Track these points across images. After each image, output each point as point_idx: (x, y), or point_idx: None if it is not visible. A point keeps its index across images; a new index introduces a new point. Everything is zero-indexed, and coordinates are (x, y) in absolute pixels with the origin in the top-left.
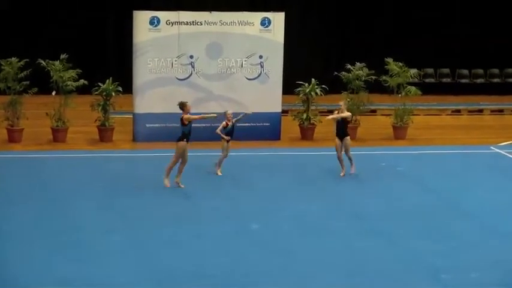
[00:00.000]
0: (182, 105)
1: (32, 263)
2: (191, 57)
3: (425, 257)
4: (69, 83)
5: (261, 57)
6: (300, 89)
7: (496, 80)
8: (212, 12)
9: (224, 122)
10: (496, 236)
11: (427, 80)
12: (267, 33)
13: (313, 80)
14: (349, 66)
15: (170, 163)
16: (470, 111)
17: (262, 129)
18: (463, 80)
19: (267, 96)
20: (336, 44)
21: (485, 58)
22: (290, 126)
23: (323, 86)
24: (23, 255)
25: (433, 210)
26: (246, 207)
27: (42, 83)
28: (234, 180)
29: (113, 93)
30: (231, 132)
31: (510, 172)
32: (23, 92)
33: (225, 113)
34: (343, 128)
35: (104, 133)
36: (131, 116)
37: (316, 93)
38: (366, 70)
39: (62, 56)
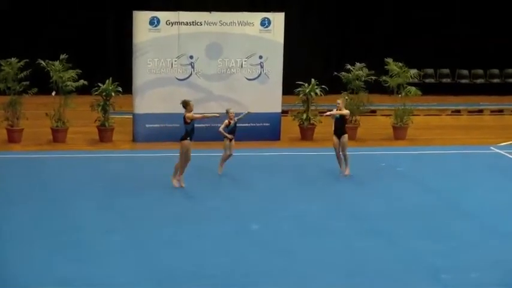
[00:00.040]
0: (185, 104)
1: (32, 263)
2: (191, 57)
3: (425, 257)
4: (69, 83)
5: (260, 57)
6: (299, 89)
7: (496, 80)
8: (212, 12)
9: (226, 121)
10: (496, 236)
11: (427, 81)
12: (266, 34)
13: (313, 80)
14: (349, 66)
15: (178, 163)
16: (470, 112)
17: (262, 130)
18: (463, 81)
19: (266, 96)
20: (335, 44)
21: (485, 58)
22: (290, 127)
23: (323, 86)
24: (23, 255)
25: (433, 210)
26: (246, 207)
27: (42, 83)
28: (234, 181)
29: (113, 94)
30: (233, 131)
31: (510, 172)
32: (23, 92)
33: (227, 112)
34: (341, 126)
35: (104, 133)
36: (131, 116)
37: (316, 94)
38: (365, 70)
39: (62, 56)
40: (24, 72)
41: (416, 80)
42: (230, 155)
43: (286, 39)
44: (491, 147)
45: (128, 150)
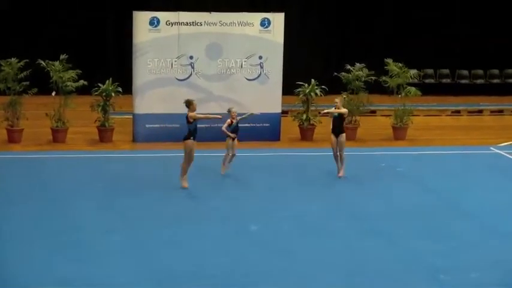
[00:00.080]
0: (188, 103)
1: (32, 263)
2: (191, 57)
3: (425, 257)
4: (68, 83)
5: (260, 57)
6: (299, 89)
7: (495, 80)
8: (212, 12)
9: (229, 120)
10: (496, 236)
11: (426, 81)
12: (266, 34)
13: (312, 80)
14: (348, 66)
15: (183, 163)
16: (470, 112)
17: (262, 130)
18: (463, 81)
19: (266, 96)
20: (335, 44)
21: (485, 59)
22: (290, 127)
23: (323, 86)
24: (23, 255)
25: (433, 211)
26: (246, 208)
27: (42, 84)
28: (234, 181)
29: (113, 94)
30: (236, 130)
31: (510, 172)
32: (23, 93)
33: (229, 111)
34: (339, 125)
35: (104, 133)
36: (131, 117)
37: (316, 94)
38: (365, 71)
39: (62, 57)
40: (24, 73)
41: (416, 81)
42: (234, 155)
43: (286, 39)
44: (491, 148)
45: (128, 150)
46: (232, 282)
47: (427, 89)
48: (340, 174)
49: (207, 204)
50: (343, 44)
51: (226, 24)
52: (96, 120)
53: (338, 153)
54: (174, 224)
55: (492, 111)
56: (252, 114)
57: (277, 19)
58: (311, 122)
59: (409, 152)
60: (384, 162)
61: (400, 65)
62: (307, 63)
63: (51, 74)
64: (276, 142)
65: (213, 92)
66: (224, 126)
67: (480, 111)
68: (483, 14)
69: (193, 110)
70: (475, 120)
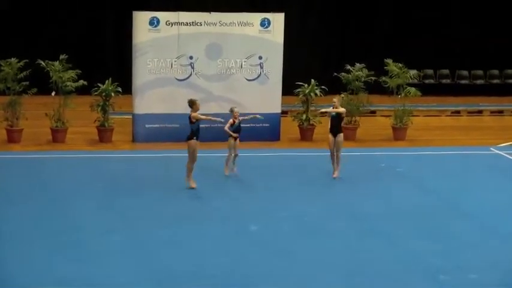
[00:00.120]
0: (191, 103)
1: (32, 263)
2: (191, 57)
3: (425, 257)
4: (68, 83)
5: (260, 58)
6: (299, 89)
7: (495, 81)
8: (212, 12)
9: (231, 120)
10: (496, 236)
11: (426, 81)
12: (266, 34)
13: (312, 80)
14: (348, 67)
15: (188, 163)
16: (470, 112)
17: (261, 130)
18: (463, 81)
19: (266, 97)
20: (335, 44)
21: (485, 59)
22: (290, 127)
23: (322, 86)
24: (23, 255)
25: (433, 211)
26: (246, 208)
27: (41, 84)
28: (234, 181)
29: (113, 94)
30: (238, 130)
31: (510, 173)
32: (23, 93)
33: (231, 110)
34: (337, 125)
35: (104, 134)
36: (131, 117)
37: (316, 94)
38: (365, 71)
39: (62, 57)
40: (24, 73)
41: (416, 81)
42: (236, 155)
43: (286, 39)
44: (491, 148)
45: (128, 150)
46: (232, 283)
47: (426, 90)
48: (335, 175)
49: (207, 204)
50: (343, 44)
51: (226, 24)
52: (95, 120)
53: (335, 153)
54: (174, 224)
55: (492, 112)
56: (255, 117)
57: (277, 19)
58: (311, 122)
59: (408, 152)
60: (384, 163)
61: (400, 65)
62: (307, 64)
63: (50, 74)
64: (275, 142)
65: (213, 92)
66: (227, 126)
67: (480, 112)
68: (483, 14)
69: (196, 110)
70: (475, 120)
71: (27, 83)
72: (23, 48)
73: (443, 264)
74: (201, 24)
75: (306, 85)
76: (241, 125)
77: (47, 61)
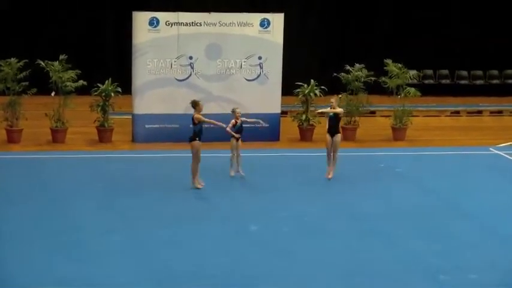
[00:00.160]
0: (194, 104)
1: (32, 263)
2: (190, 58)
3: (425, 257)
4: (68, 83)
5: (260, 58)
6: (299, 90)
7: (495, 81)
8: (211, 13)
9: (233, 120)
10: (495, 236)
11: (426, 81)
12: (266, 34)
13: (312, 81)
14: (348, 67)
15: (192, 164)
16: (470, 113)
17: (261, 130)
18: (462, 81)
19: (266, 97)
20: (335, 44)
21: (484, 59)
22: (289, 127)
23: (322, 87)
24: (23, 255)
25: (432, 211)
26: (246, 208)
27: (41, 84)
28: (234, 181)
29: (112, 94)
30: (240, 130)
31: (509, 173)
32: (22, 93)
33: (233, 111)
34: (335, 125)
35: (103, 134)
36: (130, 117)
37: (316, 94)
38: (365, 71)
39: (61, 57)
40: (24, 73)
41: (415, 81)
42: (238, 156)
43: (286, 39)
44: (491, 148)
45: (128, 150)
46: (232, 283)
47: (426, 90)
48: (330, 176)
49: (207, 204)
50: (342, 45)
51: (225, 24)
52: (95, 121)
53: (332, 154)
54: (174, 224)
55: (491, 112)
56: (258, 123)
57: (277, 19)
58: (310, 122)
59: (408, 152)
60: (383, 163)
61: (400, 65)
62: (307, 64)
63: (50, 74)
64: (275, 142)
65: (213, 92)
66: (229, 127)
67: (479, 112)
68: (483, 14)
69: (200, 111)
70: (475, 120)
71: (27, 83)
72: (22, 48)
73: (443, 264)
74: (201, 25)
75: (305, 85)
76: (243, 126)
77: (46, 61)
